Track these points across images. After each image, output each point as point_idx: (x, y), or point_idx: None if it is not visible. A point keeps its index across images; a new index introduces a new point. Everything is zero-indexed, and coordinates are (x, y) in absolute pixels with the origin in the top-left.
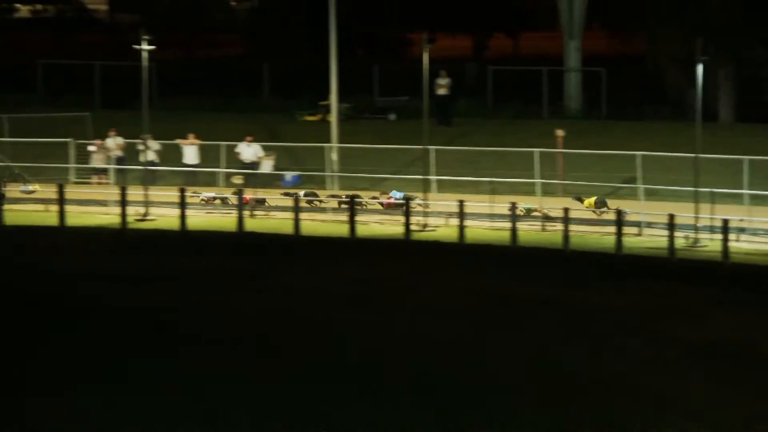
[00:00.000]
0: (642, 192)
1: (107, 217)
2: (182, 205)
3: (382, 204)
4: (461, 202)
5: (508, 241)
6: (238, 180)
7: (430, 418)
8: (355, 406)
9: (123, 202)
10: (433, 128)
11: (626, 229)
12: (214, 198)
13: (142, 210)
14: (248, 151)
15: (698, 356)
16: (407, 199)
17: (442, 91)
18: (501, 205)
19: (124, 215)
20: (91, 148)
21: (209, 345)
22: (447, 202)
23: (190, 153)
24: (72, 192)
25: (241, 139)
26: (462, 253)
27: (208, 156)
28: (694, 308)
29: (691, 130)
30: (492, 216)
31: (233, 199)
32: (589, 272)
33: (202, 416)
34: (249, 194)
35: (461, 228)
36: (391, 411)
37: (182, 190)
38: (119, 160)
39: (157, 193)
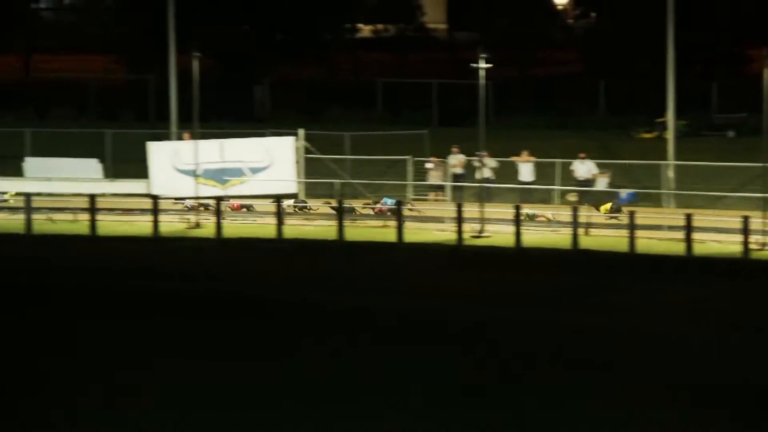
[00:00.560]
0: None
1: (443, 234)
2: (517, 222)
3: (373, 210)
4: None
5: None
6: (572, 197)
7: None
8: None
9: (459, 219)
10: None
11: None
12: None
13: (477, 227)
14: (582, 168)
15: None
16: (399, 205)
17: None
18: None
19: (460, 232)
20: (428, 165)
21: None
22: None
23: (526, 170)
24: (407, 210)
25: (575, 157)
26: None
27: (543, 173)
28: None
29: None
30: None
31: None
32: None
33: None
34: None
35: None
36: None
37: (517, 208)
38: (458, 177)
39: (492, 210)
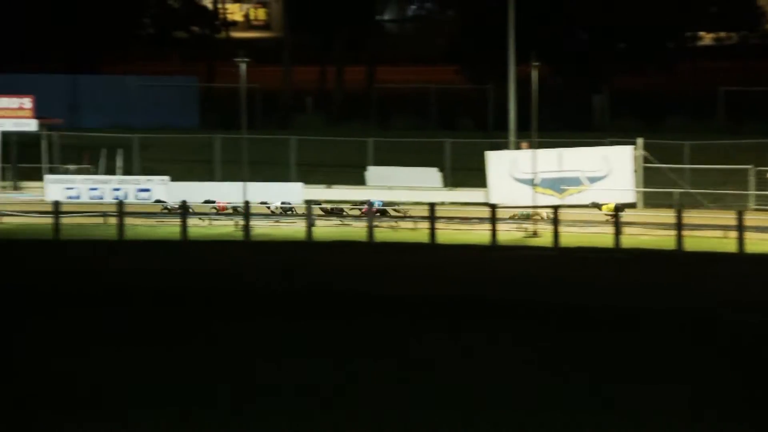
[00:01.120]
0: None
1: None
2: None
3: (361, 210)
4: None
5: None
6: None
7: None
8: None
9: None
10: None
11: None
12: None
13: None
14: None
15: None
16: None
17: None
18: None
19: None
20: None
21: None
22: None
23: None
24: (751, 219)
25: None
26: None
27: None
28: None
29: None
30: None
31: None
32: None
33: None
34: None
35: None
36: None
37: None
38: None
39: None
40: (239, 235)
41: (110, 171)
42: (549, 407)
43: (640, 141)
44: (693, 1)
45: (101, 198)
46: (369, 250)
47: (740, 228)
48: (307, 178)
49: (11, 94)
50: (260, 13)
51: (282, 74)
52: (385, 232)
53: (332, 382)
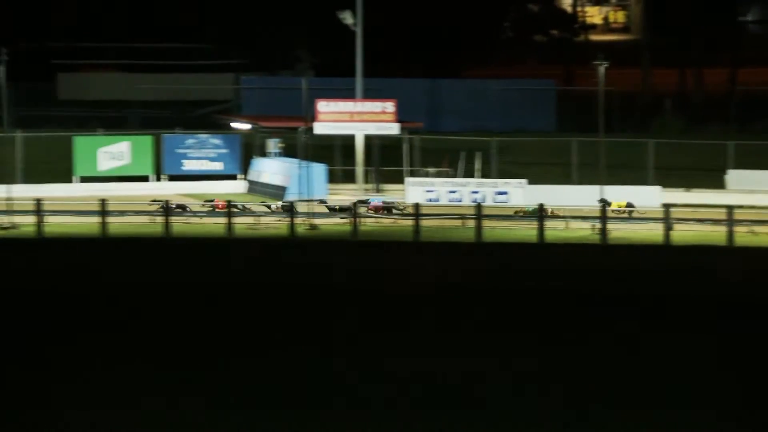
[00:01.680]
0: None
1: None
2: None
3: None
4: None
5: None
6: None
7: None
8: None
9: None
10: None
11: None
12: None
13: None
14: None
15: None
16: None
17: None
18: None
19: None
20: None
21: None
22: None
23: None
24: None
25: None
26: None
27: None
28: None
29: None
30: None
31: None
32: None
33: None
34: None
35: None
36: None
37: None
38: None
39: None
40: (595, 238)
41: (468, 174)
42: None
43: None
44: None
45: (460, 201)
46: None
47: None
48: (665, 182)
49: (375, 99)
50: (619, 16)
51: (640, 76)
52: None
53: None
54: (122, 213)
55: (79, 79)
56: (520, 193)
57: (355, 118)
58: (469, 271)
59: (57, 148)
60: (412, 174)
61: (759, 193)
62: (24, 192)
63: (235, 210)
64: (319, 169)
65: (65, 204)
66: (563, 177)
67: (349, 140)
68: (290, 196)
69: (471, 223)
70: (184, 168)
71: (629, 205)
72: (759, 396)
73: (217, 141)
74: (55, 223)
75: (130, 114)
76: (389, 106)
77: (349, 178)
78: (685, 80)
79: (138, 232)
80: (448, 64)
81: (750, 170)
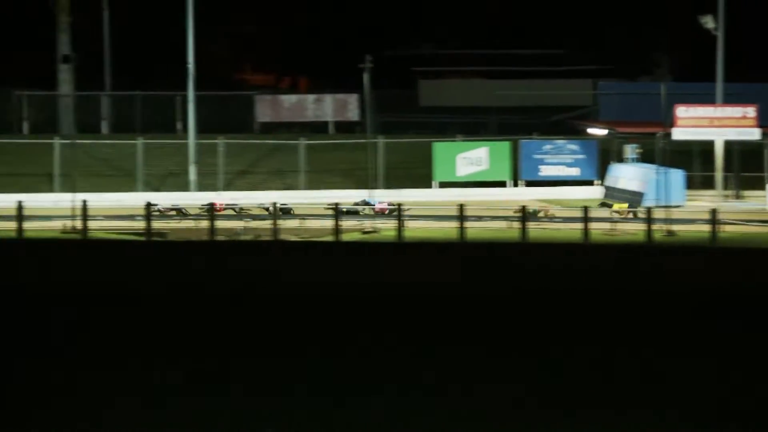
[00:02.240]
0: None
1: None
2: None
3: (374, 209)
4: None
5: None
6: None
7: None
8: None
9: None
10: None
11: None
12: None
13: None
14: None
15: None
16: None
17: None
18: None
19: None
20: None
21: None
22: None
23: None
24: None
25: None
26: None
27: None
28: None
29: None
30: None
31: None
32: None
33: None
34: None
35: None
36: None
37: None
38: None
39: None
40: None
41: None
42: None
43: None
44: None
45: None
46: None
47: None
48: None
49: (736, 104)
50: None
51: None
52: None
53: None
54: (479, 218)
55: (440, 86)
56: None
57: (714, 123)
58: None
59: (417, 153)
60: None
61: None
62: (386, 197)
63: (232, 212)
64: (677, 175)
65: (424, 209)
66: None
67: (706, 146)
68: (648, 202)
69: None
70: (540, 174)
71: (631, 206)
72: None
73: (574, 146)
74: (414, 228)
75: (489, 120)
76: (750, 111)
77: (707, 184)
78: None
79: (495, 237)
80: None
81: None
